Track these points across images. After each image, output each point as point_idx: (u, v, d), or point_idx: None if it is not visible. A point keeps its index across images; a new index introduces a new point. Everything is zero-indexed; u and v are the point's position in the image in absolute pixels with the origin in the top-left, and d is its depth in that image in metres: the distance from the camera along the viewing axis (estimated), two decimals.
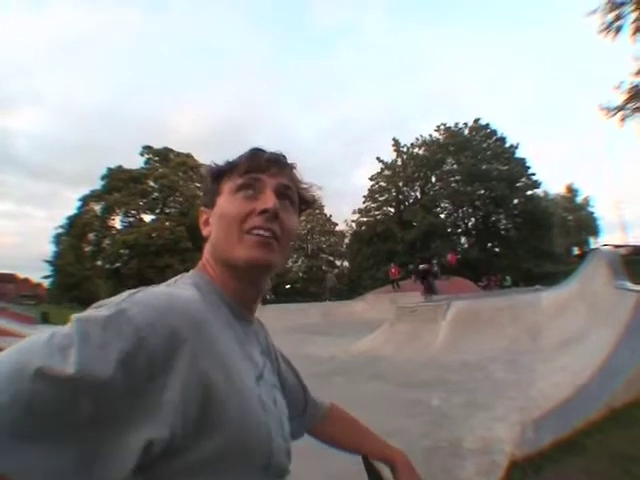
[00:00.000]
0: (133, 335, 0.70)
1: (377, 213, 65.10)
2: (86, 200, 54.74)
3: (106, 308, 0.75)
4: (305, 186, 1.16)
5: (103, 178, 54.70)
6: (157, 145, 58.65)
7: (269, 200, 1.01)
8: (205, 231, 1.09)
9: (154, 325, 0.73)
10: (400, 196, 64.45)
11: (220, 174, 1.09)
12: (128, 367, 0.68)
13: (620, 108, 21.46)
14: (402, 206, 63.62)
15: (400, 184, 63.93)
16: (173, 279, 1.02)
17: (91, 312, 0.75)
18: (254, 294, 1.09)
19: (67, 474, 0.62)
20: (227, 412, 0.81)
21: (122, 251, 50.98)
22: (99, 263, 53.45)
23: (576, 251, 76.77)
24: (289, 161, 1.13)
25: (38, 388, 0.61)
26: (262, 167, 1.06)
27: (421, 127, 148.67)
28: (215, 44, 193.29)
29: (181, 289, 0.91)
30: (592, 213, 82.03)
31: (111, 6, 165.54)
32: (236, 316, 1.02)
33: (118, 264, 51.29)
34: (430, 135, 64.86)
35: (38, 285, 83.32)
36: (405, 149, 65.33)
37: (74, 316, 0.73)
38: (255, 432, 0.87)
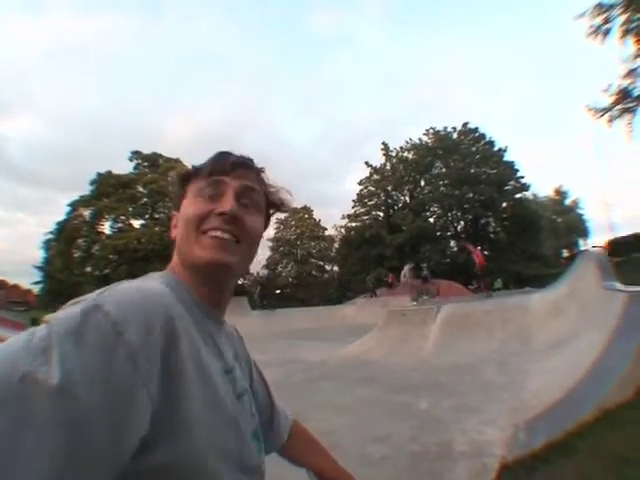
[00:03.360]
0: (111, 330, 0.68)
1: (366, 218, 65.29)
2: (75, 205, 54.32)
3: (81, 305, 0.72)
4: (273, 189, 1.17)
5: (92, 183, 54.25)
6: (149, 151, 58.60)
7: (227, 203, 1.02)
8: (173, 233, 1.11)
9: (130, 320, 0.71)
10: (389, 200, 64.68)
11: (187, 178, 1.11)
12: (110, 363, 0.66)
13: (607, 109, 21.67)
14: (391, 210, 63.82)
15: (389, 188, 64.19)
16: (143, 277, 1.00)
17: (66, 310, 0.72)
18: (218, 295, 1.07)
19: None
20: (198, 406, 0.80)
21: (111, 257, 50.59)
22: (88, 269, 53.06)
23: (565, 253, 77.40)
24: (257, 165, 1.14)
25: (24, 396, 0.58)
26: (226, 169, 1.07)
27: (411, 132, 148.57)
28: (210, 51, 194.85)
29: (153, 283, 0.88)
30: (581, 215, 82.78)
31: (106, 13, 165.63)
32: (205, 314, 1.01)
33: (107, 270, 50.93)
34: (419, 139, 65.14)
35: (28, 291, 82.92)
36: (394, 153, 65.58)
37: (49, 316, 0.71)
38: (226, 427, 0.87)
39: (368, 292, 40.06)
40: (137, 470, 0.71)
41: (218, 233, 0.99)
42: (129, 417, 0.67)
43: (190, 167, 1.14)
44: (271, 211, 1.20)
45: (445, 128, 63.73)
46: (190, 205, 1.05)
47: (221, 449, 0.85)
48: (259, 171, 1.15)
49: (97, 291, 0.79)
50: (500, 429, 5.21)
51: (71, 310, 0.71)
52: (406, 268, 23.06)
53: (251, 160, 1.13)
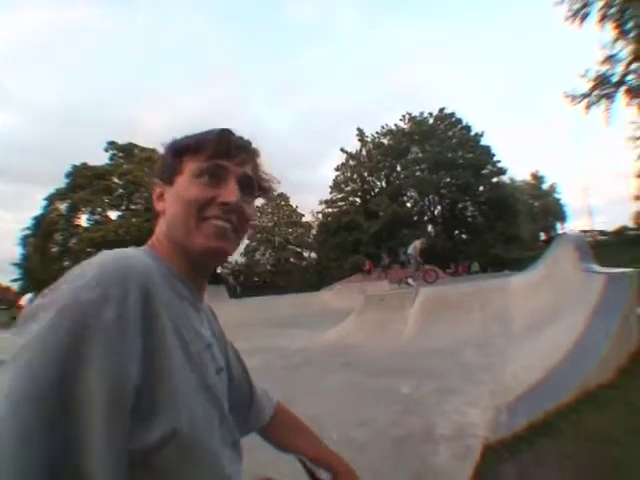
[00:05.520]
0: (95, 302, 0.73)
1: (343, 204, 65.45)
2: (51, 199, 53.49)
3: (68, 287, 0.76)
4: (265, 175, 1.17)
5: (67, 176, 53.44)
6: (125, 141, 57.94)
7: (232, 193, 1.02)
8: (159, 206, 1.08)
9: (113, 289, 0.75)
10: (365, 186, 64.83)
11: (182, 151, 1.07)
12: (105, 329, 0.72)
13: (585, 95, 21.83)
14: (368, 196, 63.89)
15: (365, 174, 64.30)
16: (121, 250, 0.94)
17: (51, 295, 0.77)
18: (201, 278, 1.10)
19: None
20: (181, 378, 0.84)
21: (89, 250, 49.71)
22: (66, 264, 52.16)
23: (543, 236, 78.36)
24: (254, 147, 1.14)
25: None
26: (229, 153, 1.05)
27: (387, 118, 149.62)
28: (184, 39, 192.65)
29: (135, 254, 0.90)
30: (558, 199, 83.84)
31: (78, 4, 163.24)
32: (188, 290, 1.02)
33: None
34: (395, 125, 65.14)
35: (7, 289, 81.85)
36: (370, 139, 65.59)
37: (38, 304, 0.75)
38: (208, 400, 0.93)
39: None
40: (140, 451, 0.76)
41: (219, 222, 1.00)
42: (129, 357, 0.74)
43: (182, 138, 1.09)
44: (257, 193, 1.17)
45: (421, 113, 64.10)
46: (190, 187, 1.02)
47: (208, 422, 0.91)
48: (257, 155, 1.14)
49: (83, 263, 0.82)
50: (482, 411, 5.20)
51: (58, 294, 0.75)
52: (418, 242, 20.93)
53: (250, 143, 1.12)
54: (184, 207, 1.00)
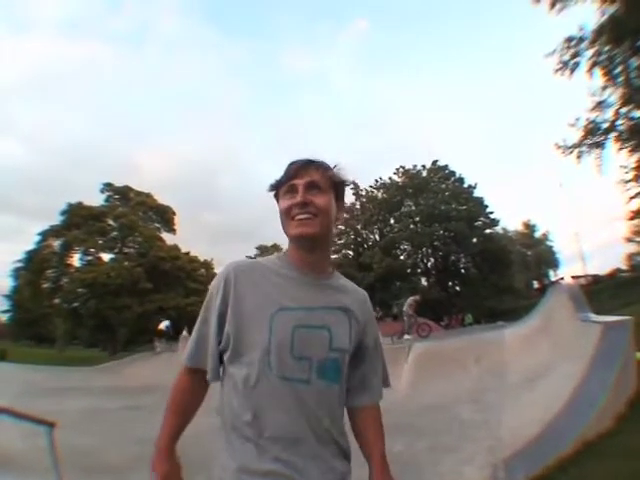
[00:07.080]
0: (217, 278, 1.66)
1: (336, 256, 64.87)
2: (45, 235, 52.68)
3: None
4: (331, 173, 1.68)
5: (63, 213, 52.54)
6: (122, 183, 57.64)
7: (299, 195, 1.56)
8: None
9: (220, 274, 1.66)
10: (359, 239, 64.60)
11: (276, 186, 1.71)
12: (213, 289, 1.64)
13: (576, 146, 21.69)
14: (361, 249, 63.68)
15: (359, 227, 64.14)
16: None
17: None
18: (312, 258, 1.65)
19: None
20: (240, 321, 1.54)
21: (80, 290, 49.18)
22: (57, 301, 51.26)
23: (536, 285, 78.26)
24: (318, 163, 1.67)
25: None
26: (296, 174, 1.62)
27: (381, 171, 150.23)
28: (186, 87, 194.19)
29: (264, 258, 1.81)
30: (551, 247, 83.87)
31: (89, 40, 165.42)
32: (297, 270, 1.63)
33: (76, 304, 49.61)
34: (389, 178, 65.28)
35: None
36: (364, 192, 65.68)
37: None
38: (253, 334, 1.52)
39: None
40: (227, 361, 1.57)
41: (300, 216, 1.56)
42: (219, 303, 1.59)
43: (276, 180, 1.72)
44: (339, 190, 1.75)
45: (415, 166, 63.96)
46: (282, 202, 1.64)
47: (249, 349, 1.51)
48: (319, 167, 1.64)
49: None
50: (478, 469, 5.04)
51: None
52: (411, 299, 21.61)
53: (312, 161, 1.65)
54: (282, 214, 1.64)
